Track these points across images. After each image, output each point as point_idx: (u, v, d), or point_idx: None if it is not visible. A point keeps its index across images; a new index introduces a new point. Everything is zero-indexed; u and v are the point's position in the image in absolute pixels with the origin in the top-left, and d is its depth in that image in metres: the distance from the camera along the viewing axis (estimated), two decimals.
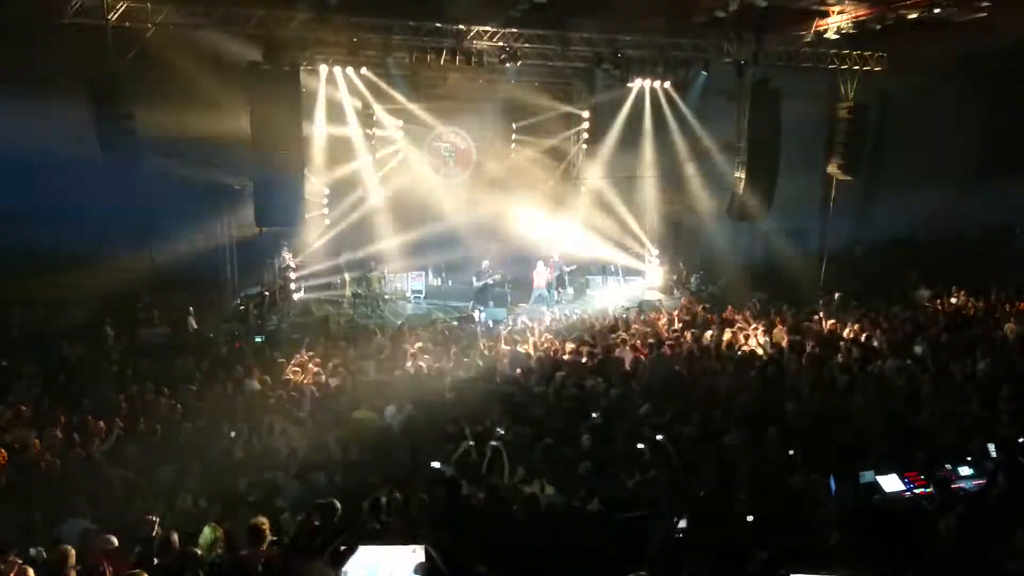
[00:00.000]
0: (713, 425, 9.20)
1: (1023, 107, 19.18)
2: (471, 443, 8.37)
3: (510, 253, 19.90)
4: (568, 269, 19.81)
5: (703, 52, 16.68)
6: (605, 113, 20.28)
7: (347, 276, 18.69)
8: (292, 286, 18.11)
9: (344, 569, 3.91)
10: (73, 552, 5.89)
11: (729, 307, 16.65)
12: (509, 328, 15.94)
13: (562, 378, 11.43)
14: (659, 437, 8.43)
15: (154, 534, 6.45)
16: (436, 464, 7.86)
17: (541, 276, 19.17)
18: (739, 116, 17.51)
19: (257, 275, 17.68)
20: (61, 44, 13.25)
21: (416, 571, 3.57)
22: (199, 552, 5.98)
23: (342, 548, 5.15)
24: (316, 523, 6.33)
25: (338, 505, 6.48)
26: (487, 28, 15.20)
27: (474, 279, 18.08)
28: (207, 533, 6.48)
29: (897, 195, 19.87)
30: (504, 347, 13.75)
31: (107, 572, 5.59)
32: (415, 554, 3.67)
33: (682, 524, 5.86)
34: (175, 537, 6.19)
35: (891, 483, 7.17)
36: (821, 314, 15.62)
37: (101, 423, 9.46)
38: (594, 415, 9.66)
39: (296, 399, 10.87)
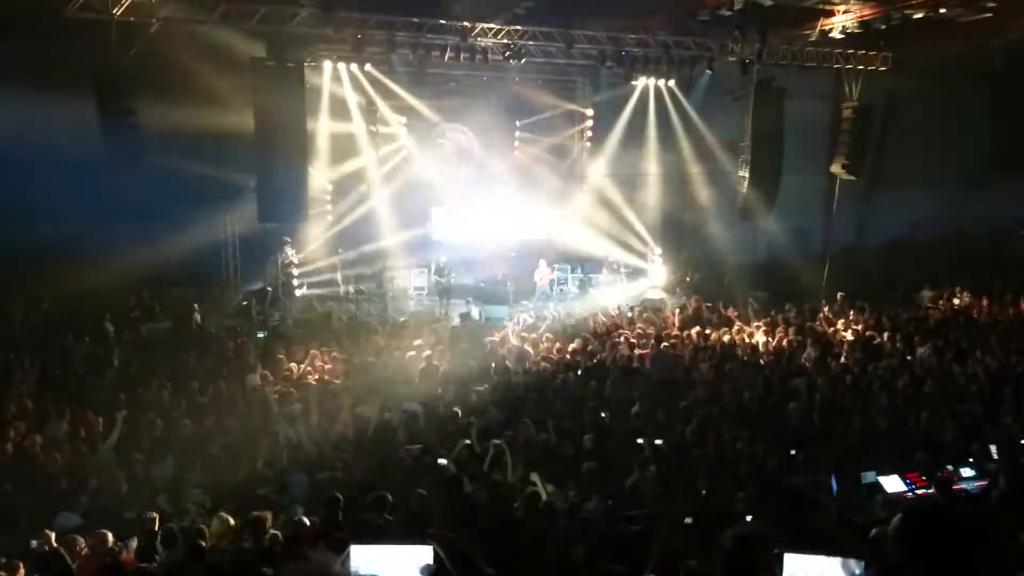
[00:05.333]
0: (714, 424, 9.20)
1: None
2: (467, 441, 8.38)
3: (513, 251, 19.90)
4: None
5: (707, 51, 16.66)
6: (609, 111, 20.26)
7: (351, 272, 18.70)
8: (295, 282, 18.12)
9: (351, 566, 3.91)
10: (81, 540, 5.93)
11: (731, 306, 16.66)
12: (513, 325, 15.93)
13: (564, 376, 11.44)
14: (658, 442, 8.44)
15: (156, 529, 6.48)
16: (442, 461, 7.87)
17: (543, 274, 19.16)
18: (743, 115, 17.48)
19: (260, 271, 17.69)
20: (65, 39, 13.25)
21: (423, 572, 3.57)
22: (204, 544, 6.00)
23: (344, 537, 5.16)
24: (319, 516, 6.36)
25: (341, 499, 6.51)
26: (491, 25, 15.19)
27: (435, 276, 18.09)
28: (216, 524, 6.51)
29: (901, 195, 19.84)
30: (510, 344, 13.76)
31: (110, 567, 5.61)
32: (423, 554, 3.67)
33: (688, 521, 5.87)
34: (178, 531, 6.20)
35: (893, 484, 7.19)
36: (824, 313, 15.64)
37: (102, 419, 9.48)
38: (603, 415, 9.68)
39: (299, 395, 10.88)
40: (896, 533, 2.44)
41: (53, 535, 6.22)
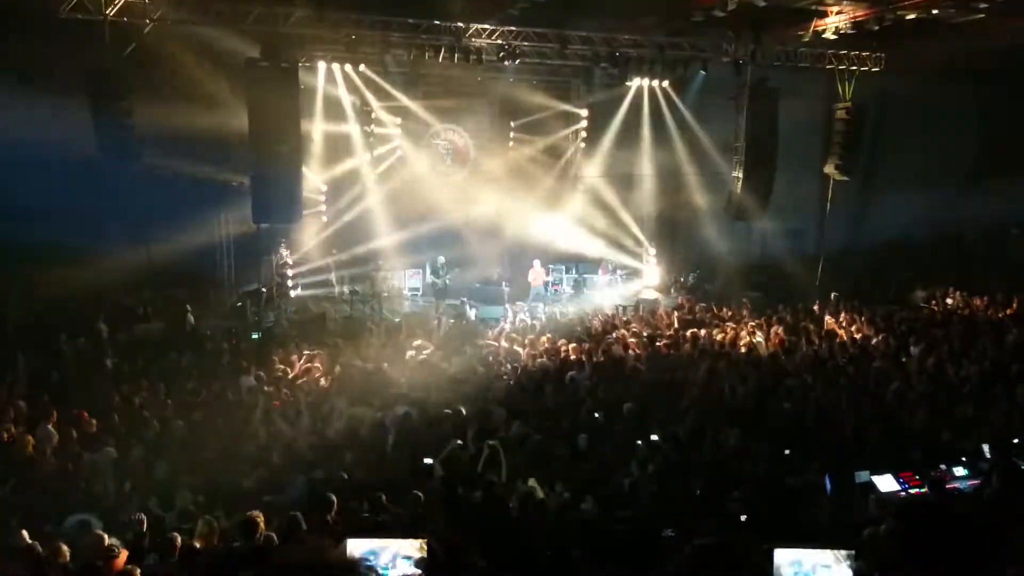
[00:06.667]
0: (709, 424, 9.22)
1: (1020, 108, 19.23)
2: (459, 442, 8.38)
3: (507, 251, 19.91)
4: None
5: (701, 51, 16.69)
6: (603, 112, 20.29)
7: (345, 273, 18.68)
8: (289, 283, 18.09)
9: (348, 553, 3.93)
10: (66, 549, 5.89)
11: (725, 306, 16.70)
12: (508, 326, 15.95)
13: (559, 377, 11.45)
14: (654, 437, 8.45)
15: (144, 530, 6.47)
16: (428, 460, 7.87)
17: (538, 275, 19.17)
18: (737, 115, 17.51)
19: (254, 272, 17.66)
20: (58, 39, 13.21)
21: (417, 564, 3.60)
22: (196, 545, 5.98)
23: (341, 531, 5.18)
24: (315, 517, 6.35)
25: (335, 500, 6.51)
26: (486, 26, 15.20)
27: (432, 276, 18.13)
28: (201, 526, 6.49)
29: (894, 195, 19.90)
30: (504, 345, 13.77)
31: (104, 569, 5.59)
32: (416, 547, 3.70)
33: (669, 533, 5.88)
34: (173, 535, 6.19)
35: (886, 483, 7.20)
36: (818, 313, 15.69)
37: (95, 420, 9.45)
38: (596, 415, 9.69)
39: (293, 396, 10.86)
40: (891, 533, 2.45)
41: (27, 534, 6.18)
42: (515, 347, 13.55)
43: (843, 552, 3.42)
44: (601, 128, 20.37)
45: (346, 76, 16.96)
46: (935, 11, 13.80)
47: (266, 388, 11.18)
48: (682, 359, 12.46)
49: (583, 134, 20.72)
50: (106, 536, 6.13)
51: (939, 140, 20.15)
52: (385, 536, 4.09)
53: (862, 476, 7.23)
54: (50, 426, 9.22)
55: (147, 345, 13.62)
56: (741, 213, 18.03)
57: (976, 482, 7.14)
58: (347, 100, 17.70)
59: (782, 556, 3.46)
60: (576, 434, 8.90)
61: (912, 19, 14.22)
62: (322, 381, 11.75)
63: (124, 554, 5.82)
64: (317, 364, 12.49)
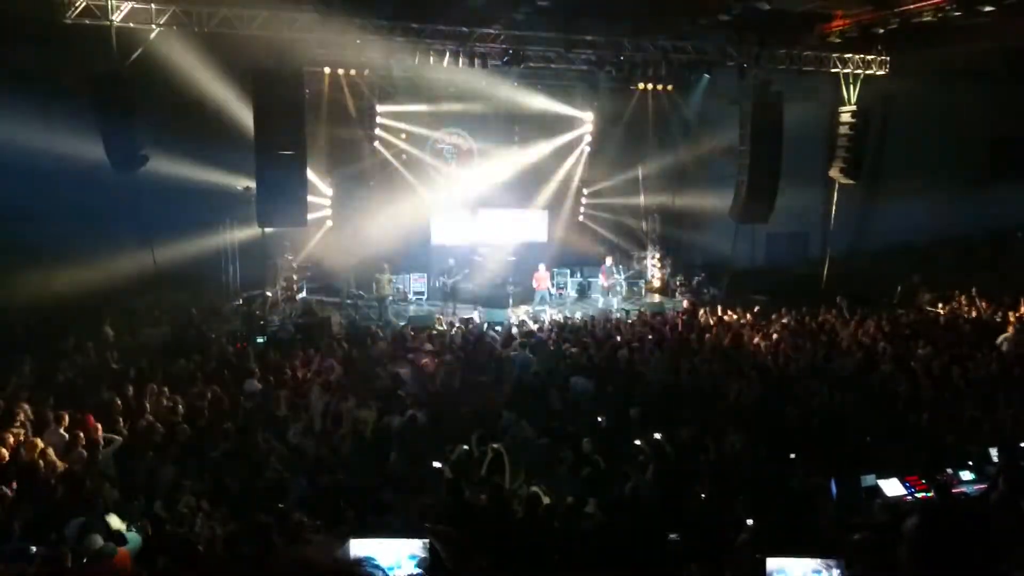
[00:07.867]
0: (713, 427, 9.20)
1: None
2: (465, 447, 8.37)
3: (512, 255, 19.92)
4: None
5: (706, 55, 16.70)
6: (608, 116, 20.32)
7: (349, 277, 18.72)
8: (294, 287, 18.13)
9: (352, 554, 3.93)
10: (69, 553, 5.89)
11: (730, 310, 16.67)
12: (515, 329, 15.93)
13: (563, 380, 11.44)
14: (657, 435, 8.44)
15: (151, 534, 6.48)
16: (437, 464, 7.86)
17: (542, 278, 19.18)
18: (741, 119, 17.52)
19: (259, 276, 17.69)
20: (65, 45, 13.30)
21: (419, 564, 3.61)
22: (199, 548, 5.99)
23: (345, 531, 5.19)
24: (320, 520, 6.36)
25: (341, 504, 6.51)
26: (490, 30, 15.23)
27: (444, 278, 18.19)
28: (205, 529, 6.49)
29: (899, 198, 19.86)
30: (508, 350, 13.75)
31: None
32: (418, 547, 3.71)
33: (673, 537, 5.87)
34: (177, 538, 6.20)
35: (892, 487, 7.18)
36: (823, 316, 15.65)
37: (100, 424, 9.46)
38: (600, 419, 9.68)
39: (298, 400, 10.87)
40: (909, 539, 2.45)
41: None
42: (523, 353, 13.52)
43: (832, 560, 3.43)
44: (606, 132, 20.41)
45: (351, 80, 17.01)
46: (940, 14, 13.79)
47: (271, 392, 11.19)
48: (686, 363, 12.43)
49: (588, 138, 20.74)
50: (99, 538, 6.12)
51: (944, 143, 20.12)
52: (389, 536, 4.10)
53: (868, 480, 7.21)
54: (62, 429, 9.24)
55: (152, 349, 13.65)
56: (745, 217, 18.02)
57: (983, 486, 7.11)
58: (352, 104, 17.76)
59: (773, 564, 3.49)
60: (580, 437, 8.88)
61: (917, 22, 14.22)
62: (328, 384, 11.74)
63: (121, 553, 5.80)
64: (323, 368, 12.49)
